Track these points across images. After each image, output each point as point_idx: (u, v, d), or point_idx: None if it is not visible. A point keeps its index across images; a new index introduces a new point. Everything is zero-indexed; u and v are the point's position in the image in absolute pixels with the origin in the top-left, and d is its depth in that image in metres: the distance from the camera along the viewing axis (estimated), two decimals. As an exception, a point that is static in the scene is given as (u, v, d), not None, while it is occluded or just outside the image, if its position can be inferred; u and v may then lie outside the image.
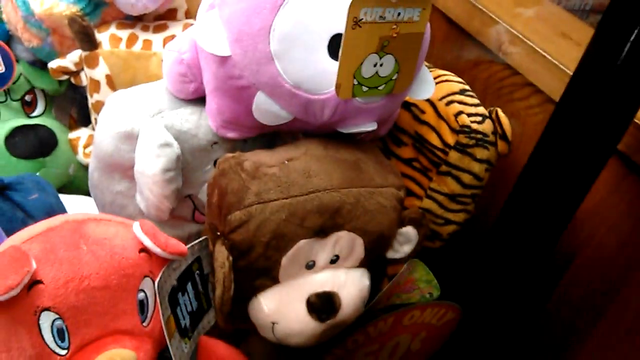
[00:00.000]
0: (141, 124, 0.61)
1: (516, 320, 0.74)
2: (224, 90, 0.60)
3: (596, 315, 0.70)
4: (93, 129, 0.87)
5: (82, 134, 0.88)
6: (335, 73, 0.55)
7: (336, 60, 0.55)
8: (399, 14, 0.54)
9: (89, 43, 0.76)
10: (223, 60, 0.57)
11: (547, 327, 0.77)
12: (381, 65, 0.56)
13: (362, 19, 0.52)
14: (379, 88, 0.58)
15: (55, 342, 0.45)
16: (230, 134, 0.63)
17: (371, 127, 0.62)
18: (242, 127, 0.63)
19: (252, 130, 0.63)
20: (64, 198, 0.67)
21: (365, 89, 0.57)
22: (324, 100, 0.57)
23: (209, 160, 0.65)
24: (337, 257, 0.59)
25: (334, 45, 0.55)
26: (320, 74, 0.56)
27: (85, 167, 0.87)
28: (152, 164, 0.59)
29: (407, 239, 0.63)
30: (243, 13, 0.55)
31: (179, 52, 0.62)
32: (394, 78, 0.58)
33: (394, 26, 0.55)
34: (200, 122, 0.64)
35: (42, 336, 0.45)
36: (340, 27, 0.53)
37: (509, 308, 0.70)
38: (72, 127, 0.91)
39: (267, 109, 0.58)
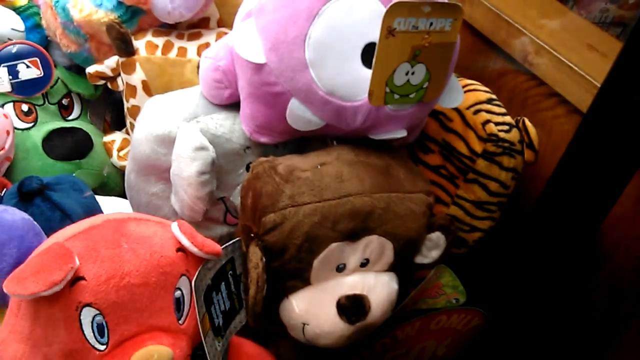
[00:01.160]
0: (177, 127, 0.63)
1: (542, 327, 0.74)
2: (258, 96, 0.61)
3: (624, 323, 0.70)
4: (127, 133, 0.89)
5: (116, 137, 0.90)
6: (368, 81, 0.56)
7: (369, 68, 0.56)
8: (431, 23, 0.55)
9: (126, 49, 0.78)
10: (258, 67, 0.58)
11: (573, 335, 0.77)
12: (413, 73, 0.58)
13: (395, 28, 0.54)
14: (410, 96, 0.59)
15: (95, 337, 0.47)
16: (263, 139, 0.64)
17: (401, 134, 0.63)
18: (274, 132, 0.64)
19: (284, 135, 0.65)
20: (99, 199, 0.69)
21: (396, 96, 0.58)
22: (356, 107, 0.59)
23: (242, 164, 0.67)
24: (367, 260, 0.60)
25: (368, 54, 0.57)
26: (354, 81, 0.57)
27: (118, 170, 0.89)
28: (188, 167, 0.61)
29: (435, 245, 0.64)
30: (279, 22, 0.57)
31: (215, 59, 0.64)
32: (425, 86, 0.59)
33: (426, 35, 0.56)
34: (234, 127, 0.65)
35: (82, 331, 0.46)
36: (374, 36, 0.55)
37: (535, 315, 0.70)
38: (106, 131, 0.93)
39: (300, 115, 0.60)
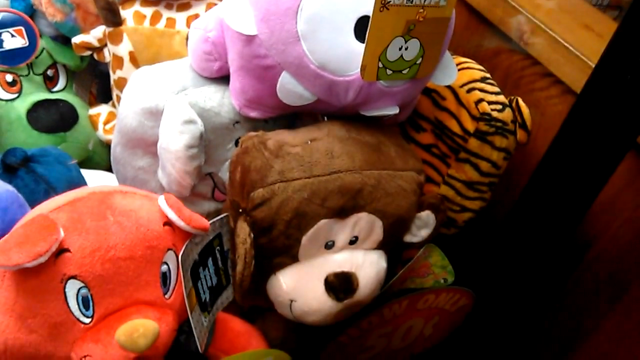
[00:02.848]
0: (165, 100, 0.61)
1: (529, 309, 0.75)
2: (249, 70, 0.60)
3: (608, 306, 0.71)
4: (113, 106, 0.88)
5: (102, 110, 0.88)
6: (360, 55, 0.55)
7: (362, 42, 0.55)
8: (426, -2, 0.54)
9: (113, 19, 0.76)
10: (249, 39, 0.57)
11: (558, 316, 0.78)
12: (406, 49, 0.57)
13: (389, 1, 0.52)
14: (403, 72, 0.58)
15: (80, 310, 0.46)
16: (253, 114, 0.63)
17: (393, 111, 0.62)
18: (265, 107, 0.63)
19: (274, 111, 0.64)
20: (85, 173, 0.68)
21: (389, 72, 0.58)
22: (348, 82, 0.58)
23: (230, 139, 0.66)
24: (356, 238, 0.60)
25: (361, 27, 0.55)
26: (346, 55, 0.56)
27: (104, 144, 0.87)
28: (175, 140, 0.60)
29: (424, 224, 0.64)
30: (271, -8, 0.55)
31: (205, 30, 0.63)
32: (418, 62, 0.58)
33: (421, 10, 0.55)
34: (223, 101, 0.64)
35: (67, 304, 0.46)
36: (367, 9, 0.54)
37: (522, 296, 0.71)
38: (92, 103, 0.92)
39: (291, 89, 0.59)
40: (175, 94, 0.62)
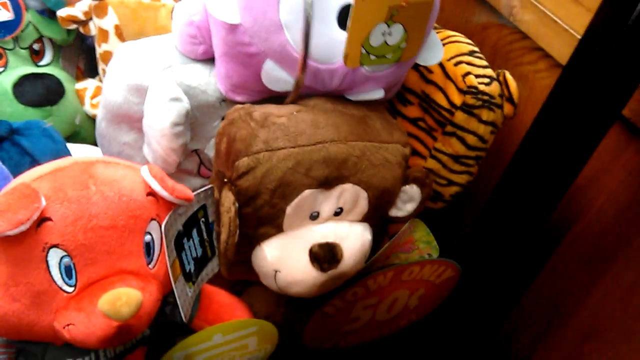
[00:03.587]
0: (151, 77, 0.61)
1: (514, 284, 0.75)
2: (233, 56, 0.59)
3: (591, 282, 0.71)
4: (100, 80, 0.87)
5: (89, 84, 0.88)
6: (344, 43, 0.54)
7: (345, 30, 0.54)
8: (409, -17, 0.53)
9: (98, -8, 0.75)
10: (232, 27, 0.56)
11: (543, 292, 0.78)
12: (389, 34, 0.56)
13: (371, -11, 0.51)
14: (386, 56, 0.57)
15: (63, 279, 0.47)
16: (239, 98, 0.63)
17: (378, 94, 0.61)
18: (250, 91, 0.62)
19: (260, 95, 0.63)
20: (70, 147, 0.67)
21: (373, 57, 0.57)
22: (332, 70, 0.57)
23: (217, 116, 0.65)
24: (341, 209, 0.60)
25: (344, 16, 0.55)
26: (329, 44, 0.56)
27: (91, 118, 0.87)
28: (161, 118, 0.59)
29: (410, 197, 0.64)
30: (253, -19, 0.54)
31: (189, 14, 0.61)
32: (402, 46, 0.57)
33: (404, -5, 0.54)
34: (209, 79, 0.63)
35: (49, 272, 0.46)
36: (350, -3, 0.52)
37: (507, 271, 0.71)
38: (79, 78, 0.91)
39: (275, 76, 0.58)
40: (161, 71, 0.61)
